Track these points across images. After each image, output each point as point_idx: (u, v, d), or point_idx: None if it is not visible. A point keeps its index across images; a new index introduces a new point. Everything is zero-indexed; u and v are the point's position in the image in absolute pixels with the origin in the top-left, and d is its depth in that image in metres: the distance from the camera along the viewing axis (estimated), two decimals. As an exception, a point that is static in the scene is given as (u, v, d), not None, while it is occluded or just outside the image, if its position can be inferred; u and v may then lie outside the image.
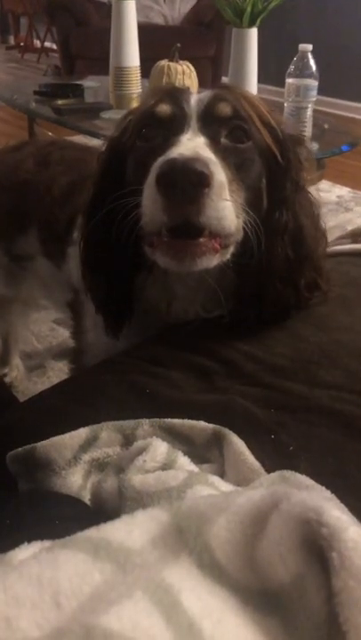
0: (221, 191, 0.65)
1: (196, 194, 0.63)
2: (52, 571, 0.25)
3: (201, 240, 0.66)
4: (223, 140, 0.73)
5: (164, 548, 0.28)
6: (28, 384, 1.63)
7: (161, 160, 0.64)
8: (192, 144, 0.68)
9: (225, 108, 0.74)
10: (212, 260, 0.69)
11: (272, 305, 0.80)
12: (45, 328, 1.84)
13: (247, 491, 0.31)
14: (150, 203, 0.66)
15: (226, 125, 0.73)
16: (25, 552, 0.30)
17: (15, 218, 1.22)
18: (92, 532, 0.29)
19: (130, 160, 0.77)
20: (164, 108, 0.74)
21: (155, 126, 0.74)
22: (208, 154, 0.67)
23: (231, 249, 0.72)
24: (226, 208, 0.66)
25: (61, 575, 0.25)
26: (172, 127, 0.72)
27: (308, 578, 0.26)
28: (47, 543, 0.31)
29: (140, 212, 0.69)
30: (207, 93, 0.77)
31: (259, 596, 0.27)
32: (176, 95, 0.76)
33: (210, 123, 0.73)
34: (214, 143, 0.71)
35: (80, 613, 0.24)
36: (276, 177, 0.77)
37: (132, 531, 0.28)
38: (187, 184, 0.62)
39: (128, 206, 0.70)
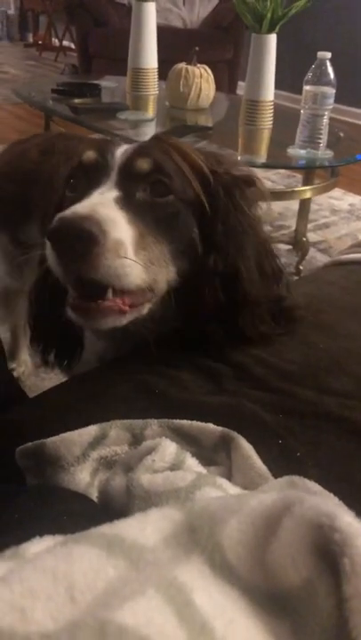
0: (118, 249, 0.65)
1: (86, 252, 0.63)
2: (67, 565, 0.26)
3: (105, 302, 0.67)
4: (140, 194, 0.72)
5: (176, 547, 0.28)
6: (35, 380, 1.64)
7: (57, 216, 0.64)
8: (97, 199, 0.68)
9: (143, 164, 0.73)
10: (122, 320, 0.70)
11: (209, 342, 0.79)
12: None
13: (259, 493, 0.31)
14: (50, 259, 0.66)
15: (144, 180, 0.72)
16: (37, 545, 0.30)
17: (19, 207, 1.24)
18: (106, 529, 0.29)
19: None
20: (90, 155, 0.74)
21: (80, 176, 0.74)
22: (108, 211, 0.66)
23: (148, 306, 0.73)
24: (125, 266, 0.66)
25: (76, 569, 0.25)
26: (94, 178, 0.72)
27: (319, 582, 0.26)
28: (59, 538, 0.31)
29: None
30: (131, 146, 0.76)
31: (269, 599, 0.27)
32: (104, 146, 0.76)
33: (128, 177, 0.72)
34: (128, 198, 0.70)
35: (94, 608, 0.24)
36: (207, 223, 0.76)
37: (145, 528, 0.29)
38: (76, 242, 0.62)
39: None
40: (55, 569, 0.25)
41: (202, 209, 0.76)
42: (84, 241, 0.62)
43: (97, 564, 0.26)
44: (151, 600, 0.24)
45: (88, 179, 0.73)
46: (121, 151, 0.75)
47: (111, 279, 0.65)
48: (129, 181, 0.72)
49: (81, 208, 0.65)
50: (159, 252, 0.71)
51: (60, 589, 0.25)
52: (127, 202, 0.69)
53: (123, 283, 0.66)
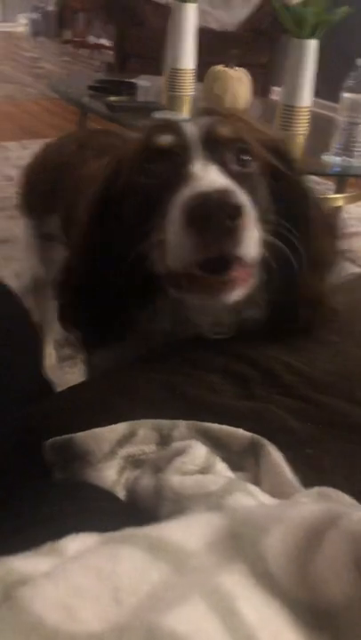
0: (252, 219, 0.63)
1: (232, 225, 0.60)
2: (112, 565, 0.25)
3: (235, 273, 0.64)
4: (231, 165, 0.70)
5: (219, 553, 0.27)
6: (59, 373, 1.65)
7: (188, 195, 0.61)
8: (211, 174, 0.65)
9: (227, 131, 0.71)
10: (243, 291, 0.68)
11: (287, 322, 0.78)
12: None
13: (303, 504, 0.31)
14: (179, 240, 0.62)
15: (230, 149, 0.70)
16: (75, 542, 0.30)
17: (47, 198, 1.24)
18: (149, 530, 0.29)
19: (132, 200, 0.73)
20: (165, 138, 0.70)
21: (157, 160, 0.70)
22: (230, 183, 0.64)
23: (256, 277, 0.71)
24: (256, 235, 0.64)
25: (121, 570, 0.25)
26: (177, 158, 0.68)
27: (363, 599, 0.26)
28: (95, 535, 0.31)
29: (152, 253, 0.68)
30: (204, 119, 0.74)
31: (310, 613, 0.27)
32: (172, 125, 0.73)
33: (215, 149, 0.69)
34: (225, 169, 0.68)
35: (140, 611, 0.23)
36: (282, 194, 0.74)
37: (189, 533, 0.28)
38: (222, 217, 0.59)
39: (132, 250, 0.68)
40: (100, 568, 0.25)
41: (275, 177, 0.74)
42: (232, 215, 0.60)
43: (141, 567, 0.26)
44: (197, 607, 0.24)
45: (168, 160, 0.69)
46: (193, 125, 0.72)
47: (248, 251, 0.63)
48: (217, 153, 0.69)
49: (210, 181, 0.63)
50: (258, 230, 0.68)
51: (105, 590, 0.24)
52: (226, 174, 0.67)
53: (255, 253, 0.64)
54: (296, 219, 0.74)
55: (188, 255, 0.62)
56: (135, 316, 0.79)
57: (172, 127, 0.72)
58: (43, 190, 1.28)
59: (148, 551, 0.27)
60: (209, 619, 0.23)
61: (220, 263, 0.63)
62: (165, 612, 0.23)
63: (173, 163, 0.68)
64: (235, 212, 0.60)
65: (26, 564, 0.26)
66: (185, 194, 0.62)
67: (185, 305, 0.76)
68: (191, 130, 0.71)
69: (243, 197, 0.62)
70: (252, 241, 0.63)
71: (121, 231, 0.73)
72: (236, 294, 0.67)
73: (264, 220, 0.69)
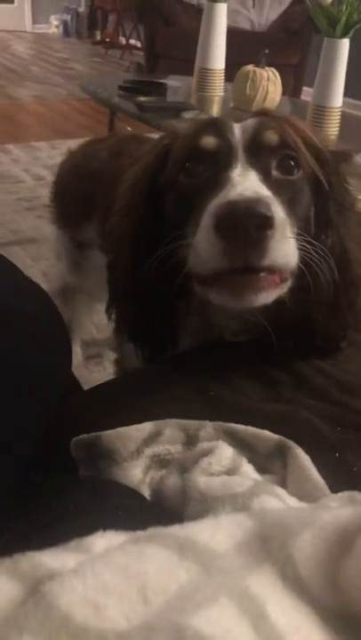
0: (284, 230, 0.62)
1: (260, 237, 0.59)
2: (139, 564, 0.25)
3: (262, 274, 0.63)
4: (274, 172, 0.69)
5: (247, 555, 0.27)
6: (84, 372, 1.66)
7: (219, 202, 0.61)
8: (247, 182, 0.64)
9: (272, 137, 0.69)
10: (272, 295, 0.65)
11: (315, 336, 0.76)
12: (105, 318, 1.86)
13: (334, 508, 0.30)
14: (207, 246, 0.62)
15: (275, 156, 0.69)
16: (102, 540, 0.30)
17: (83, 206, 1.24)
18: (177, 530, 0.28)
19: (172, 196, 0.73)
20: (209, 141, 0.70)
21: (199, 160, 0.70)
22: (266, 192, 0.63)
23: (289, 282, 0.68)
24: (289, 245, 0.63)
25: (148, 569, 0.25)
26: (219, 161, 0.68)
27: (396, 607, 0.25)
28: (122, 533, 0.31)
29: (186, 253, 0.67)
30: (250, 122, 0.72)
31: (340, 618, 0.26)
32: (219, 126, 0.72)
33: (258, 154, 0.68)
34: (266, 177, 0.67)
35: (167, 611, 0.23)
36: (321, 201, 0.73)
37: (217, 533, 0.28)
38: (250, 227, 0.58)
39: (169, 247, 0.68)
40: (127, 567, 0.25)
41: (316, 186, 0.72)
42: (260, 226, 0.58)
43: (169, 566, 0.25)
44: (225, 609, 0.23)
45: (210, 162, 0.69)
46: (240, 128, 0.72)
47: (277, 261, 0.62)
48: (260, 158, 0.68)
49: (244, 190, 0.62)
50: (294, 231, 0.67)
51: (132, 588, 0.24)
52: (266, 181, 0.66)
53: (286, 262, 0.63)
54: (332, 228, 0.73)
55: (215, 262, 0.62)
56: (174, 316, 0.79)
57: (218, 128, 0.71)
58: (78, 200, 1.27)
59: (175, 551, 0.26)
60: (238, 621, 0.23)
61: (245, 267, 0.62)
62: (194, 613, 0.23)
63: (215, 165, 0.68)
64: (263, 222, 0.58)
65: (53, 559, 0.26)
66: (216, 201, 0.61)
67: (212, 307, 0.75)
68: (237, 133, 0.71)
69: (276, 208, 0.61)
70: (282, 251, 0.62)
71: (159, 226, 0.72)
72: (263, 298, 0.65)
73: (303, 229, 0.68)
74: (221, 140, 0.70)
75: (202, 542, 0.27)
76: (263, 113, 0.76)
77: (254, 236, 0.59)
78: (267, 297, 0.65)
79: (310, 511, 0.30)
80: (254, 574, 0.26)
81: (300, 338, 0.76)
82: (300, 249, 0.66)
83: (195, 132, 0.72)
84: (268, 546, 0.28)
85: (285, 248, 0.62)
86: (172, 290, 0.72)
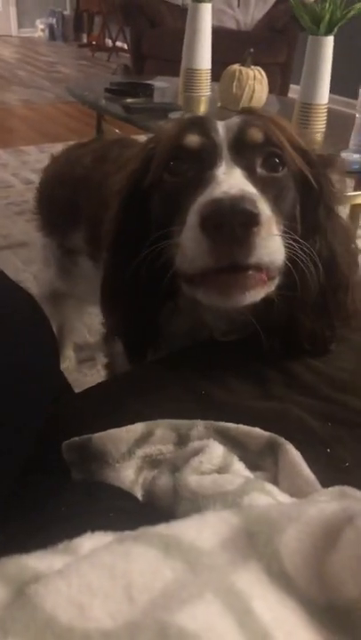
0: (270, 227, 0.62)
1: (246, 234, 0.59)
2: (124, 563, 0.25)
3: (250, 272, 0.62)
4: (259, 169, 0.69)
5: (233, 552, 0.27)
6: (78, 375, 1.66)
7: (204, 200, 0.60)
8: (232, 179, 0.64)
9: (257, 134, 0.69)
10: (260, 294, 0.65)
11: (303, 337, 0.76)
12: (98, 321, 1.86)
13: (319, 503, 0.31)
14: (193, 245, 0.62)
15: (259, 153, 0.69)
16: (90, 541, 0.30)
17: (69, 213, 1.23)
18: (163, 529, 0.29)
19: (157, 197, 0.73)
20: (193, 139, 0.69)
21: (184, 159, 0.69)
22: (251, 189, 0.63)
23: (277, 280, 0.68)
24: (275, 243, 0.63)
25: (133, 568, 0.25)
26: (203, 159, 0.68)
27: (381, 599, 0.25)
28: (111, 534, 0.31)
29: (173, 252, 0.66)
30: (235, 120, 0.72)
31: (326, 612, 0.26)
32: (203, 124, 0.72)
33: (242, 151, 0.68)
34: (251, 174, 0.66)
35: (152, 609, 0.23)
36: (308, 203, 0.73)
37: (203, 531, 0.28)
38: (235, 224, 0.58)
39: (156, 247, 0.67)
40: (113, 566, 0.25)
41: (302, 186, 0.72)
42: (245, 223, 0.58)
43: (154, 565, 0.26)
44: (210, 605, 0.23)
45: (195, 160, 0.68)
46: (224, 126, 0.71)
47: (263, 258, 0.61)
48: (244, 156, 0.68)
49: (229, 188, 0.61)
50: (281, 229, 0.66)
51: (117, 588, 0.24)
52: (251, 178, 0.66)
53: (272, 259, 0.62)
54: (321, 231, 0.73)
55: (201, 261, 0.61)
56: (160, 316, 0.79)
57: (203, 126, 0.71)
58: (63, 207, 1.27)
59: (161, 549, 0.26)
60: (222, 617, 0.23)
61: (232, 266, 0.61)
62: (178, 610, 0.23)
63: (199, 163, 0.68)
64: (249, 220, 0.58)
65: (40, 561, 0.27)
66: (201, 199, 0.61)
67: (201, 307, 0.75)
68: (221, 131, 0.71)
69: (261, 205, 0.61)
70: (269, 249, 0.61)
71: (145, 226, 0.72)
72: (251, 297, 0.64)
73: (289, 228, 0.67)
74: (205, 139, 0.69)
75: (187, 540, 0.27)
76: (248, 111, 0.76)
77: (240, 233, 0.58)
78: (254, 295, 0.64)
79: (296, 506, 0.30)
80: (240, 570, 0.26)
81: (287, 339, 0.76)
82: (286, 247, 0.65)
83: (178, 131, 0.72)
84: (254, 542, 0.28)
85: (272, 245, 0.62)
86: (160, 289, 0.72)
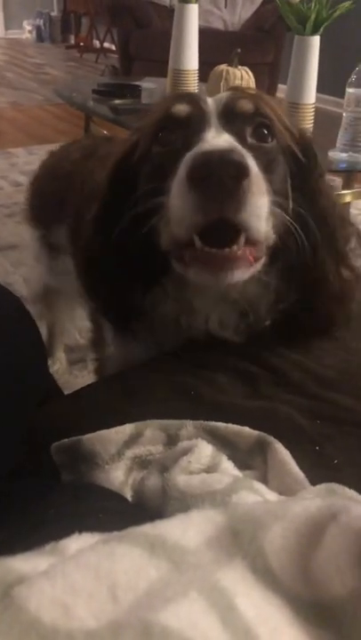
0: (259, 184, 0.60)
1: (235, 186, 0.57)
2: (109, 563, 0.25)
3: (237, 251, 0.61)
4: (249, 139, 0.68)
5: (218, 550, 0.27)
6: (68, 377, 1.65)
7: (193, 153, 0.59)
8: (221, 139, 0.63)
9: (247, 105, 0.69)
10: (247, 272, 0.64)
11: (301, 316, 0.76)
12: (88, 323, 1.86)
13: (304, 500, 0.31)
14: (180, 201, 0.60)
15: (249, 123, 0.69)
16: (77, 542, 0.30)
17: (55, 208, 1.24)
18: (148, 529, 0.29)
19: (145, 169, 0.72)
20: (181, 108, 0.69)
21: (172, 129, 0.69)
22: (240, 146, 0.62)
23: (262, 260, 0.67)
24: (263, 205, 0.61)
25: (118, 568, 0.25)
26: (192, 128, 0.67)
27: (366, 594, 0.26)
28: (98, 535, 0.31)
29: (158, 225, 0.66)
30: (224, 94, 0.72)
31: (311, 608, 0.26)
32: (191, 96, 0.72)
33: (232, 120, 0.68)
34: (241, 142, 0.65)
35: (137, 608, 0.24)
36: (299, 176, 0.72)
37: (188, 530, 0.28)
38: (224, 176, 0.56)
39: (142, 219, 0.67)
40: (97, 566, 0.25)
41: (292, 161, 0.72)
42: (235, 175, 0.57)
43: (139, 564, 0.26)
44: (194, 603, 0.24)
45: (184, 129, 0.68)
46: (212, 99, 0.71)
47: (251, 218, 0.60)
48: (234, 125, 0.68)
49: (220, 142, 0.61)
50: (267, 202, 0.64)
51: (102, 587, 0.24)
52: (241, 146, 0.64)
53: (259, 223, 0.61)
54: (310, 205, 0.72)
55: (190, 218, 0.60)
56: (146, 296, 0.77)
57: (191, 98, 0.71)
58: (49, 201, 1.27)
59: (146, 549, 0.27)
60: (206, 615, 0.23)
61: (219, 236, 0.61)
62: (162, 609, 0.23)
63: (188, 132, 0.67)
64: (238, 171, 0.57)
65: (26, 563, 0.27)
66: (190, 154, 0.60)
67: (189, 288, 0.75)
68: (210, 102, 0.70)
69: (250, 161, 0.59)
70: (257, 211, 0.60)
71: (134, 202, 0.71)
72: (240, 274, 0.63)
73: (277, 200, 0.66)
74: (194, 108, 0.69)
75: (172, 539, 0.27)
76: (236, 89, 0.76)
77: (229, 185, 0.57)
78: (242, 274, 0.64)
79: (280, 504, 0.30)
80: (224, 569, 0.26)
81: (283, 319, 0.76)
82: (277, 223, 0.65)
83: (166, 103, 0.72)
84: (239, 540, 0.28)
85: (260, 205, 0.61)
86: (145, 272, 0.71)
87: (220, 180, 0.57)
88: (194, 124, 0.67)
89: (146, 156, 0.72)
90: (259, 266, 0.67)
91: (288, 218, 0.67)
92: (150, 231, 0.68)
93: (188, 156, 0.60)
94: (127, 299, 0.77)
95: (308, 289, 0.75)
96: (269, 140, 0.70)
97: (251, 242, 0.62)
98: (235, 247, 0.61)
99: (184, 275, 0.67)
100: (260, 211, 0.61)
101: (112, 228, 0.71)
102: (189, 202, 0.59)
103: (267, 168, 0.66)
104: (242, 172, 0.57)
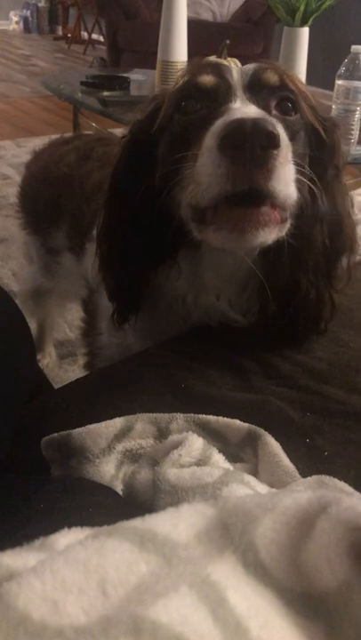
0: (288, 153, 0.60)
1: (266, 155, 0.57)
2: (99, 558, 0.25)
3: (264, 208, 0.61)
4: (273, 111, 0.68)
5: (209, 544, 0.27)
6: (59, 371, 1.65)
7: (223, 121, 0.59)
8: (249, 109, 0.63)
9: (273, 77, 0.69)
10: (273, 234, 0.63)
11: (304, 301, 0.75)
12: (78, 317, 1.85)
13: (294, 492, 0.31)
14: (209, 169, 0.59)
15: (274, 96, 0.69)
16: (66, 537, 0.30)
17: (52, 211, 1.23)
18: (138, 523, 0.29)
19: (165, 136, 0.71)
20: (207, 79, 0.68)
21: (196, 98, 0.68)
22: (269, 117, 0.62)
23: (288, 224, 0.66)
24: (291, 173, 0.61)
25: (108, 563, 0.25)
26: (217, 98, 0.66)
27: (356, 585, 0.26)
28: (88, 530, 0.31)
29: (177, 193, 0.66)
30: (250, 65, 0.71)
31: (302, 600, 0.26)
32: (217, 66, 0.71)
33: (258, 92, 0.68)
34: (267, 112, 0.65)
35: (127, 603, 0.23)
36: (317, 159, 0.72)
37: (178, 524, 0.28)
38: (256, 144, 0.56)
39: (162, 187, 0.66)
40: (87, 562, 0.25)
41: (313, 139, 0.72)
42: (266, 144, 0.57)
43: (129, 559, 0.26)
44: (185, 597, 0.23)
45: (208, 99, 0.67)
46: (238, 70, 0.70)
47: (280, 187, 0.59)
48: (260, 96, 0.67)
49: (251, 111, 0.60)
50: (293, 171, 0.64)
51: (91, 583, 0.24)
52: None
53: (287, 191, 0.61)
54: (328, 191, 0.72)
55: (218, 186, 0.59)
56: (158, 271, 0.77)
57: (216, 68, 0.70)
58: (46, 206, 1.26)
59: (136, 543, 0.26)
60: (196, 609, 0.23)
61: (248, 200, 0.60)
62: (152, 604, 0.23)
63: (213, 102, 0.67)
64: (269, 141, 0.57)
65: (15, 559, 0.26)
66: (220, 122, 0.60)
67: (203, 262, 0.74)
68: (235, 73, 0.70)
69: (281, 131, 0.59)
70: (285, 178, 0.60)
71: (152, 172, 0.71)
72: (264, 235, 0.62)
73: (299, 171, 0.65)
74: (220, 79, 0.69)
75: (163, 533, 0.27)
76: (264, 62, 0.75)
77: (260, 154, 0.57)
78: (268, 234, 0.63)
79: (271, 496, 0.30)
80: (215, 562, 0.26)
81: (287, 302, 0.76)
82: (298, 186, 0.64)
83: (191, 72, 0.71)
84: (230, 533, 0.28)
85: (288, 175, 0.60)
86: (160, 244, 0.70)
87: (252, 148, 0.57)
88: (219, 95, 0.67)
89: (168, 124, 0.71)
90: (284, 229, 0.66)
91: (308, 182, 0.66)
92: (167, 200, 0.67)
93: (220, 124, 0.59)
94: (140, 274, 0.77)
95: (307, 268, 0.74)
96: (293, 114, 0.70)
97: (279, 204, 0.62)
98: (263, 207, 0.61)
99: (204, 239, 0.67)
100: (289, 178, 0.61)
101: (127, 197, 0.71)
102: (219, 170, 0.59)
103: (290, 139, 0.65)
104: (273, 141, 0.57)
